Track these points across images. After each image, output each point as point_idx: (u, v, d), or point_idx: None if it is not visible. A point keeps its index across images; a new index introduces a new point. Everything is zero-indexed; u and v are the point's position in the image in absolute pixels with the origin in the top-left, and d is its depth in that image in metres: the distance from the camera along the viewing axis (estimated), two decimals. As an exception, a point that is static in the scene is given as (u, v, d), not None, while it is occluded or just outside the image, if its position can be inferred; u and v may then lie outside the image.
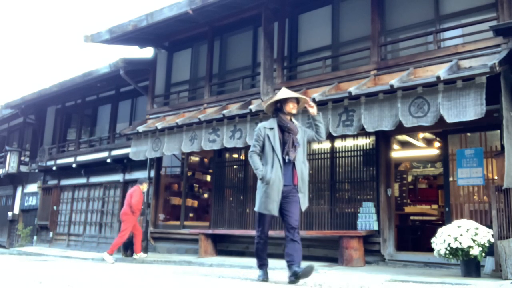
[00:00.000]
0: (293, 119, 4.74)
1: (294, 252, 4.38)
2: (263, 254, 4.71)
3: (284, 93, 4.68)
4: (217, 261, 7.70)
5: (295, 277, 4.29)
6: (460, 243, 5.08)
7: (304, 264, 4.38)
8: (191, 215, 11.00)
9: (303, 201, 4.56)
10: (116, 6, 45.26)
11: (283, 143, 4.52)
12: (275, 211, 4.40)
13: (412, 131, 7.59)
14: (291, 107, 4.64)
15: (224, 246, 9.05)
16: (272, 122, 4.64)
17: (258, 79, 8.78)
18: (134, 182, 12.20)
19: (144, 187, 9.26)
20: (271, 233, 8.24)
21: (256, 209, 4.55)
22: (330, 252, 7.44)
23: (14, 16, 45.65)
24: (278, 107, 4.68)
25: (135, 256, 8.94)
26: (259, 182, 4.55)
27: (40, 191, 15.41)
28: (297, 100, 4.72)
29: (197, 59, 10.87)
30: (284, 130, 4.57)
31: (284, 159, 4.47)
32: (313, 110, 4.67)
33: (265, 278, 4.66)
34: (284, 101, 4.63)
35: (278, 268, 6.33)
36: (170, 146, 9.46)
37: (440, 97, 6.06)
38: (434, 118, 6.10)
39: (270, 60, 8.52)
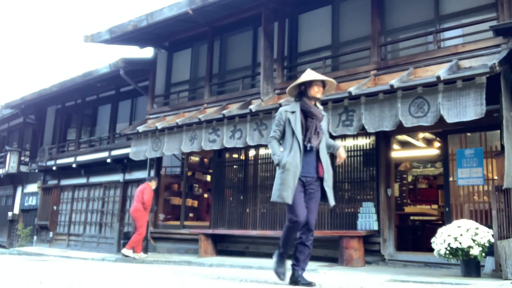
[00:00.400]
0: (317, 104, 4.34)
1: (301, 256, 4.07)
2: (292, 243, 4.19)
3: (309, 75, 4.28)
4: (217, 261, 7.70)
5: (295, 283, 4.07)
6: (460, 243, 5.08)
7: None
8: (191, 215, 11.00)
9: (331, 196, 4.20)
10: (116, 6, 45.26)
11: (305, 129, 4.13)
12: (289, 199, 3.95)
13: (412, 131, 7.59)
14: (316, 91, 4.23)
15: (224, 246, 9.05)
16: (294, 106, 4.25)
17: (258, 79, 8.78)
18: (134, 182, 12.26)
19: (153, 184, 9.36)
20: (271, 233, 8.33)
21: (273, 198, 4.10)
22: (330, 252, 7.44)
23: (14, 16, 45.66)
24: (301, 90, 4.28)
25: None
26: (277, 170, 4.14)
27: (40, 191, 15.41)
28: (323, 83, 4.31)
29: (197, 59, 10.88)
30: (307, 115, 4.17)
31: (305, 146, 4.07)
32: (339, 160, 4.28)
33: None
34: (308, 84, 4.23)
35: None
36: (170, 146, 9.46)
37: (440, 97, 6.06)
38: (434, 118, 6.10)
39: (270, 60, 8.52)
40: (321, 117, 4.21)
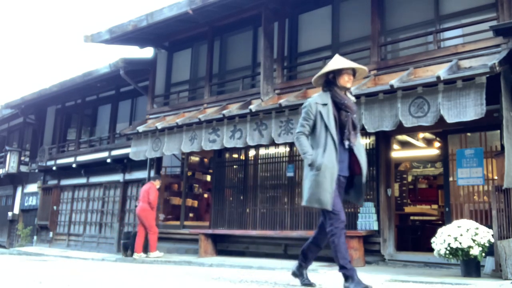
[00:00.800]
0: (347, 93, 3.90)
1: (312, 255, 3.99)
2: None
3: (339, 62, 3.84)
4: (217, 261, 7.70)
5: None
6: (460, 243, 5.08)
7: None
8: (191, 215, 11.00)
9: (363, 194, 3.91)
10: (116, 6, 45.26)
11: (340, 124, 3.72)
12: (328, 204, 3.56)
13: (412, 131, 7.59)
14: (346, 80, 3.81)
15: (224, 246, 9.05)
16: (324, 97, 3.79)
17: (258, 79, 8.78)
18: (134, 182, 12.27)
19: (158, 183, 9.43)
20: (271, 233, 8.33)
21: (304, 202, 3.72)
22: (330, 252, 7.38)
23: (14, 16, 45.65)
24: (330, 79, 3.84)
25: (150, 255, 8.97)
26: (306, 170, 3.73)
27: (40, 191, 15.41)
28: (353, 71, 3.90)
29: (197, 59, 10.88)
30: (340, 108, 3.74)
31: (343, 145, 3.70)
32: None
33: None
34: (338, 72, 3.80)
35: (278, 268, 6.34)
36: (170, 146, 9.46)
37: (440, 97, 6.06)
38: (434, 118, 6.10)
39: (270, 60, 8.52)
40: (355, 110, 3.82)
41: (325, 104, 3.74)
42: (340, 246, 3.68)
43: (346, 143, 3.69)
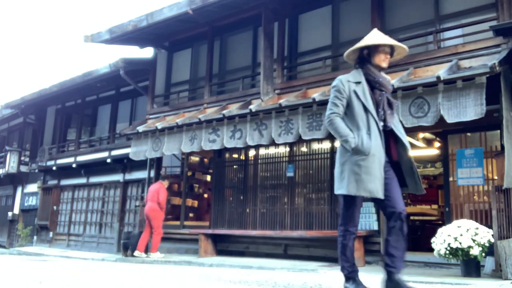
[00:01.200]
0: (382, 72, 3.47)
1: (397, 252, 3.15)
2: (352, 256, 3.30)
3: (376, 37, 3.45)
4: (217, 261, 7.70)
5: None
6: (460, 243, 5.08)
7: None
8: (191, 215, 11.00)
9: (418, 180, 3.35)
10: (116, 6, 45.27)
11: (376, 104, 3.32)
12: (379, 192, 3.13)
13: (412, 131, 7.58)
14: (382, 59, 3.42)
15: (224, 246, 9.05)
16: (357, 75, 3.39)
17: (258, 79, 8.78)
18: (134, 182, 12.27)
19: (166, 183, 9.47)
20: (271, 233, 8.33)
21: (344, 190, 3.20)
22: (330, 252, 7.44)
23: (14, 16, 45.66)
24: (363, 56, 3.44)
25: (151, 256, 8.92)
26: (343, 155, 3.28)
27: (40, 191, 15.41)
28: (391, 49, 3.51)
29: (197, 59, 10.88)
30: (374, 86, 3.35)
31: (385, 126, 3.28)
32: None
33: None
34: (374, 48, 3.40)
35: (278, 268, 6.33)
36: (170, 146, 9.46)
37: (440, 97, 6.06)
38: (434, 118, 6.10)
39: (270, 60, 8.52)
40: (390, 89, 3.44)
41: (358, 83, 3.34)
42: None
43: (381, 124, 3.26)
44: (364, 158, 3.15)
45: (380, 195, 3.13)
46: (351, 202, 3.26)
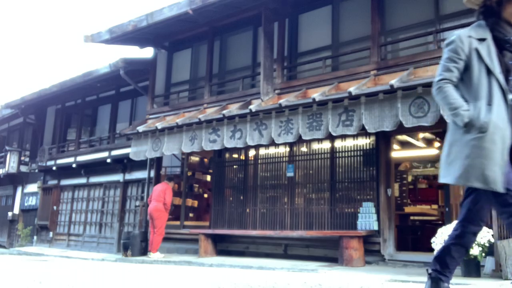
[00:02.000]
0: None
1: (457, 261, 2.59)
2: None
3: None
4: (217, 261, 7.70)
5: None
6: (460, 243, 5.07)
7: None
8: (191, 215, 11.00)
9: None
10: (116, 6, 45.28)
11: (505, 69, 2.56)
12: (497, 183, 2.36)
13: (412, 131, 7.59)
14: None
15: (224, 246, 9.05)
16: (480, 30, 2.70)
17: (258, 79, 8.78)
18: (134, 182, 12.27)
19: (173, 185, 9.51)
20: (271, 233, 8.33)
21: (451, 179, 2.50)
22: (330, 252, 7.44)
23: (14, 16, 45.66)
24: (491, 6, 2.80)
25: (152, 256, 8.93)
26: (454, 133, 2.59)
27: (40, 191, 15.41)
28: None
29: (197, 59, 10.88)
30: (504, 47, 2.60)
31: (504, 94, 2.50)
32: None
33: None
34: None
35: (278, 268, 6.33)
36: (170, 146, 9.46)
37: (440, 97, 6.05)
38: (434, 118, 6.11)
39: (270, 60, 8.52)
40: None
41: (483, 39, 2.63)
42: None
43: (510, 96, 2.51)
44: (480, 137, 2.41)
45: (499, 187, 2.36)
46: (474, 194, 2.52)
